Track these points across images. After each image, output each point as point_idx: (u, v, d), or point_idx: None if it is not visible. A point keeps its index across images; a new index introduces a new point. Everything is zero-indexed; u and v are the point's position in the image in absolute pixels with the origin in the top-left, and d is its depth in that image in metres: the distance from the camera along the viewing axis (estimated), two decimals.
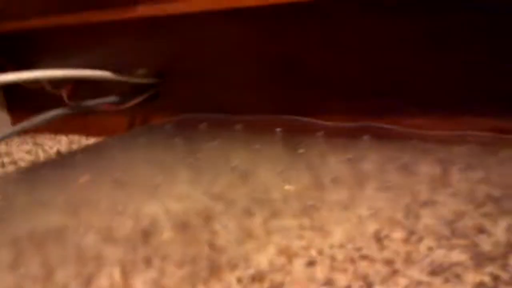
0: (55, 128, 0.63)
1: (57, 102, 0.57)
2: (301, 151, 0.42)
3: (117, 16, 0.47)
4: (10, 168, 0.50)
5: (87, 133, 0.61)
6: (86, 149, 0.49)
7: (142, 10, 0.44)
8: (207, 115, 0.52)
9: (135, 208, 0.35)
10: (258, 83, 0.52)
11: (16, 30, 0.59)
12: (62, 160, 0.47)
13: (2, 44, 0.67)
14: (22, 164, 0.51)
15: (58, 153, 0.53)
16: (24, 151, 0.56)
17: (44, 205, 0.38)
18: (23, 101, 0.67)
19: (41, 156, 0.54)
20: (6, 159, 0.54)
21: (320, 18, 0.47)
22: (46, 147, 0.57)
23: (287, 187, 0.36)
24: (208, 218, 0.33)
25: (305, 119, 0.48)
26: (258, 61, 0.52)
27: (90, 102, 0.53)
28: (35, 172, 0.44)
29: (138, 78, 0.54)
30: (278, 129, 0.46)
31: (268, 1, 0.45)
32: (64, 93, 0.58)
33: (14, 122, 0.68)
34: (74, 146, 0.56)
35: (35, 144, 0.59)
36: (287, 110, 0.50)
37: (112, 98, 0.53)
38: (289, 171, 0.39)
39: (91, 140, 0.58)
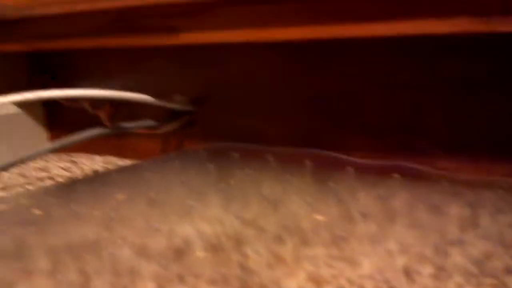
0: (90, 148, 0.65)
1: (95, 122, 0.59)
2: (331, 184, 0.43)
3: (159, 42, 0.49)
4: (48, 183, 0.52)
5: (122, 155, 0.63)
6: (121, 169, 0.51)
7: (184, 38, 0.46)
8: (240, 145, 0.53)
9: (168, 227, 0.36)
10: (291, 115, 0.54)
11: (61, 49, 0.62)
12: (98, 178, 0.48)
13: (46, 62, 0.70)
14: (59, 179, 0.53)
15: (94, 171, 0.55)
16: (61, 168, 0.58)
17: (81, 219, 0.39)
18: (62, 120, 0.70)
19: (77, 173, 0.56)
20: (43, 174, 0.55)
21: (354, 57, 0.49)
22: (82, 166, 0.59)
23: (316, 217, 0.36)
24: (239, 242, 0.33)
25: (335, 154, 0.49)
26: (293, 94, 0.53)
27: (127, 125, 0.55)
28: (72, 188, 0.46)
29: (175, 104, 0.56)
30: (308, 162, 0.47)
31: (305, 35, 0.46)
32: (102, 114, 0.60)
33: (52, 139, 0.70)
34: (109, 167, 0.58)
35: (72, 162, 0.61)
36: (319, 144, 0.51)
37: (149, 122, 0.55)
38: (319, 203, 0.39)
39: (126, 162, 0.60)
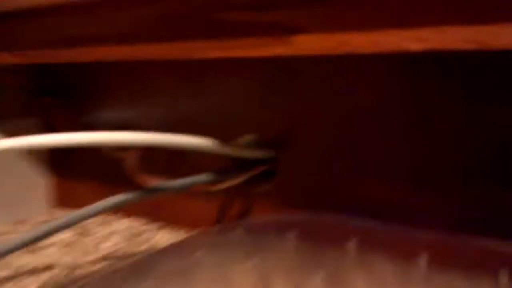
0: None
1: (115, 168, 0.41)
2: None
3: (262, 52, 0.27)
4: (39, 277, 0.32)
5: (157, 217, 0.45)
6: (164, 256, 0.31)
7: (305, 43, 0.25)
8: (348, 218, 0.33)
9: None
10: (440, 176, 0.34)
11: (74, 61, 0.43)
12: (118, 278, 0.28)
13: (48, 78, 0.53)
14: (58, 268, 0.33)
15: (111, 261, 0.35)
16: (61, 245, 0.38)
17: None
18: (70, 162, 0.52)
19: (88, 251, 0.36)
20: (31, 262, 0.35)
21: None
22: (97, 236, 0.39)
23: None
24: None
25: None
26: (424, 132, 0.34)
27: (173, 184, 0.35)
28: None
29: (243, 150, 0.37)
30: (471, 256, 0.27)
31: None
32: (128, 159, 0.41)
33: (58, 189, 0.52)
34: (139, 240, 0.39)
35: (81, 231, 0.41)
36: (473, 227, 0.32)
37: (203, 177, 0.36)
38: None
39: (164, 233, 0.40)
